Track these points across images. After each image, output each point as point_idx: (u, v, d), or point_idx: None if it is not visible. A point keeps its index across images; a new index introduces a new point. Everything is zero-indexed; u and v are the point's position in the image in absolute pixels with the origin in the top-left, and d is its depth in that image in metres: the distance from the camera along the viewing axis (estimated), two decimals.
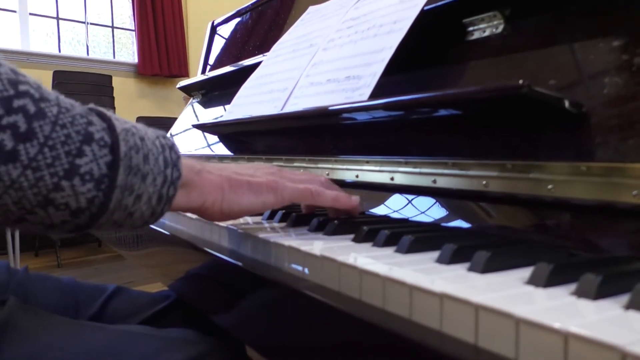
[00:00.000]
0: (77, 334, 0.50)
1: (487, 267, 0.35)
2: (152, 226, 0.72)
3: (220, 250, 0.54)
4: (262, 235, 0.50)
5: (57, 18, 4.15)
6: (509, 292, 0.30)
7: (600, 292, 0.29)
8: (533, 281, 0.32)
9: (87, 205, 0.37)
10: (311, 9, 0.94)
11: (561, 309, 0.27)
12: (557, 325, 0.25)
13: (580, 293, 0.30)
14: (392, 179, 0.59)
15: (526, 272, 0.34)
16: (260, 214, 0.64)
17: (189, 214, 0.66)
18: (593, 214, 0.41)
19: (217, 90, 1.31)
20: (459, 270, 0.36)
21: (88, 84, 3.71)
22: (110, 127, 0.39)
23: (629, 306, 0.27)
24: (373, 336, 0.33)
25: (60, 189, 0.36)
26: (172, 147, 0.44)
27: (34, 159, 0.34)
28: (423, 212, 0.56)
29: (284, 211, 0.61)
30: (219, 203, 0.47)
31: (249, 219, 0.63)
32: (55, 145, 0.35)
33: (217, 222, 0.58)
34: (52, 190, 0.36)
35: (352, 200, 0.54)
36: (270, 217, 0.62)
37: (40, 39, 4.07)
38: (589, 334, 0.23)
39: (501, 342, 0.27)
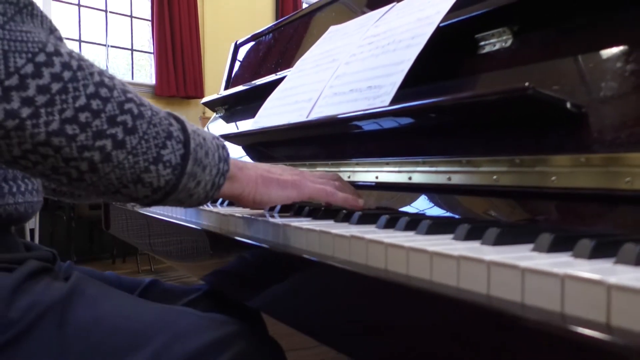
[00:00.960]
0: (133, 305, 0.57)
1: (498, 241, 0.41)
2: (185, 223, 0.78)
3: (258, 241, 0.60)
4: (294, 223, 0.56)
5: (80, 40, 4.31)
6: (516, 254, 0.36)
7: (594, 254, 0.34)
8: (537, 248, 0.38)
9: (164, 185, 0.49)
10: (332, 28, 1.01)
11: (560, 264, 0.33)
12: (556, 270, 0.30)
13: (577, 255, 0.35)
14: (410, 178, 0.65)
15: (532, 246, 0.39)
16: (288, 211, 0.69)
17: (225, 212, 0.71)
18: (592, 201, 0.46)
19: (240, 106, 1.38)
20: (473, 244, 0.42)
21: None
22: (183, 128, 0.51)
23: (617, 261, 0.32)
24: (398, 294, 0.38)
25: (149, 171, 0.48)
26: (224, 147, 0.55)
27: (135, 147, 0.47)
28: (439, 208, 0.62)
29: (311, 207, 0.66)
30: (253, 194, 0.59)
31: (276, 215, 0.68)
32: (149, 139, 0.48)
33: (254, 211, 0.63)
34: (143, 171, 0.48)
35: (359, 202, 0.64)
36: (297, 213, 0.68)
37: None
38: (582, 274, 0.29)
39: (509, 290, 0.32)
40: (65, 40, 0.49)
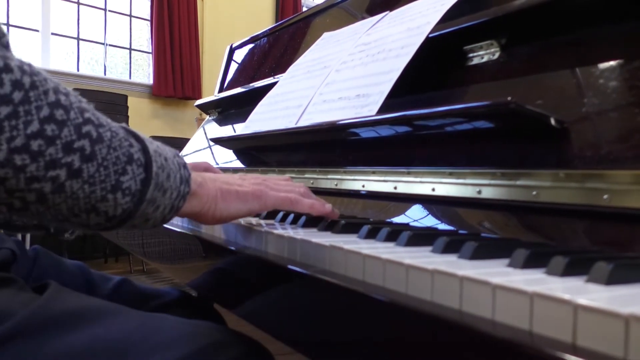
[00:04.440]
0: (113, 314, 0.55)
1: (475, 255, 0.41)
2: (172, 227, 0.77)
3: (239, 247, 0.60)
4: (276, 231, 0.56)
5: (78, 39, 4.30)
6: (490, 270, 0.36)
7: (567, 272, 0.34)
8: (512, 264, 0.38)
9: (120, 213, 0.45)
10: (326, 34, 1.01)
11: (532, 281, 0.33)
12: (525, 287, 0.30)
13: (550, 272, 0.35)
14: (395, 188, 0.65)
15: (508, 262, 0.39)
16: (273, 217, 0.69)
17: None
18: (571, 216, 0.46)
19: (233, 109, 1.39)
20: (450, 257, 0.42)
21: (104, 102, 3.82)
22: (144, 148, 0.47)
23: (589, 280, 0.33)
24: (374, 307, 0.38)
25: (106, 200, 0.44)
26: (185, 166, 0.52)
27: (92, 175, 0.42)
28: (423, 219, 0.62)
29: (294, 214, 0.66)
30: (212, 210, 0.55)
31: (262, 221, 0.68)
32: (108, 166, 0.43)
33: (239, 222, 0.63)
34: (99, 200, 0.43)
35: (326, 207, 0.61)
36: (282, 220, 0.67)
37: (60, 58, 4.21)
38: (550, 293, 0.29)
39: (481, 306, 0.32)
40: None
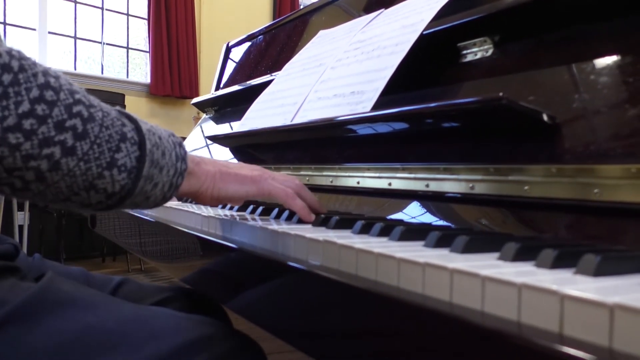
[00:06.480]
0: (106, 304, 0.56)
1: (466, 249, 0.41)
2: (172, 225, 0.78)
3: (236, 243, 0.60)
4: (270, 227, 0.56)
5: (75, 37, 4.29)
6: (480, 263, 0.36)
7: (556, 264, 0.35)
8: (502, 257, 0.38)
9: (119, 190, 0.47)
10: (321, 32, 1.02)
11: (521, 273, 0.33)
12: (513, 279, 0.30)
13: (539, 264, 0.35)
14: (389, 184, 0.65)
15: (498, 255, 0.40)
16: (268, 214, 0.70)
17: (199, 212, 0.72)
18: (562, 211, 0.47)
19: (229, 107, 1.39)
20: (442, 251, 0.42)
21: (102, 101, 3.82)
22: (137, 127, 0.49)
23: (577, 272, 0.33)
24: (366, 300, 0.39)
25: (102, 177, 0.46)
26: (181, 144, 0.54)
27: (86, 153, 0.44)
28: (417, 214, 0.62)
29: (289, 210, 0.66)
30: (211, 189, 0.58)
31: (257, 217, 0.69)
32: (101, 144, 0.45)
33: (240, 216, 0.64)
34: (96, 177, 0.45)
35: (311, 217, 0.61)
36: (278, 215, 0.68)
37: (57, 57, 4.20)
38: (538, 284, 0.29)
39: (470, 298, 0.33)
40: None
